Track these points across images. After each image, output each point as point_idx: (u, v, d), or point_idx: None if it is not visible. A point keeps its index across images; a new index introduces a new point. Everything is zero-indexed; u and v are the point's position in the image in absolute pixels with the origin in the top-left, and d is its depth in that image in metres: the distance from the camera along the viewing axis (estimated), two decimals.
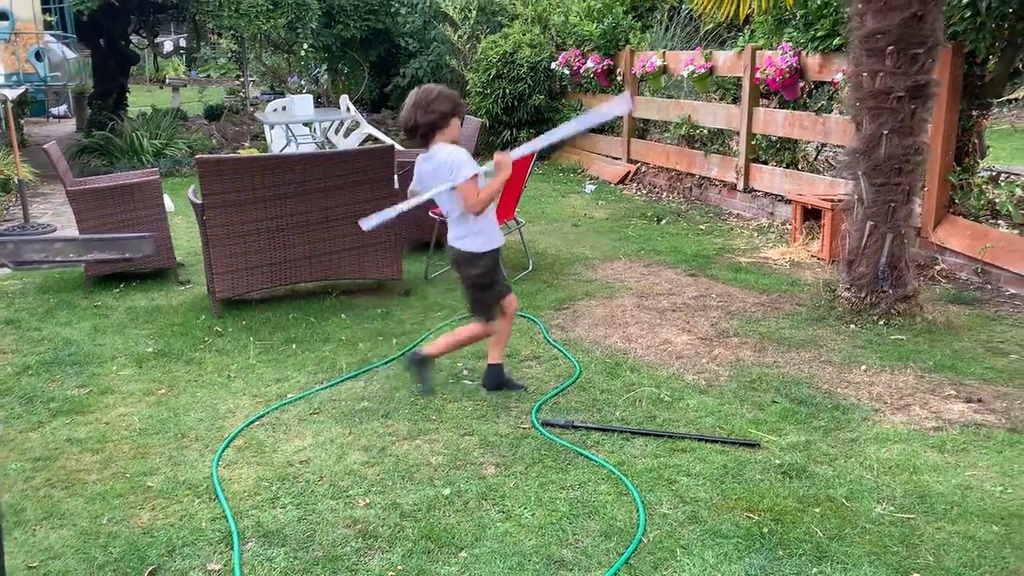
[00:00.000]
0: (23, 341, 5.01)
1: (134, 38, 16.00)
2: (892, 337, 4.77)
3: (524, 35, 11.31)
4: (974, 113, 6.01)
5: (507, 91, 11.10)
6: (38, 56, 6.89)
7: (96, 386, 4.35)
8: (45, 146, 6.22)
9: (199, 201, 5.22)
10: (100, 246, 1.57)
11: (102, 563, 2.85)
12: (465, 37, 12.18)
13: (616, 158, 10.47)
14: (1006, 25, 5.55)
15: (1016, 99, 5.68)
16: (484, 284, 4.00)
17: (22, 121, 12.97)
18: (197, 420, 3.92)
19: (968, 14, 5.49)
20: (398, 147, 7.26)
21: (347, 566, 2.81)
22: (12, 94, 7.53)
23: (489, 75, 11.20)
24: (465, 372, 4.42)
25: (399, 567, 2.80)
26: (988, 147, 6.39)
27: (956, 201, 6.06)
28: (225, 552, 2.91)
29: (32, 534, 3.02)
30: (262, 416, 3.96)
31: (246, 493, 3.28)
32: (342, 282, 5.87)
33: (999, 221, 6.04)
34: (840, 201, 6.05)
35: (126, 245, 1.56)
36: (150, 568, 2.82)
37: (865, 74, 4.92)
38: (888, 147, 4.89)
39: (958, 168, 6.02)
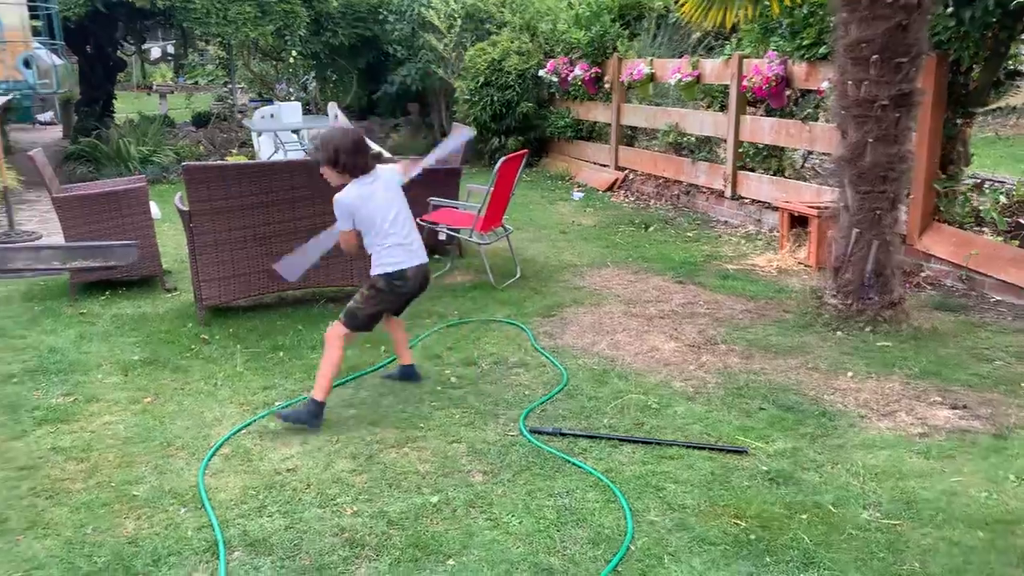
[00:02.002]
0: (7, 349, 4.97)
1: (122, 44, 15.93)
2: (878, 344, 4.80)
3: (512, 43, 11.34)
4: (958, 121, 6.05)
5: (495, 99, 11.12)
6: (27, 63, 6.86)
7: (81, 394, 4.32)
8: (31, 153, 6.19)
9: (186, 208, 5.20)
10: (85, 254, 1.56)
11: (87, 573, 2.83)
12: (451, 45, 12.19)
13: (604, 165, 10.50)
14: (989, 35, 5.60)
15: (1000, 107, 5.72)
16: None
17: (8, 128, 12.89)
18: (183, 428, 3.90)
19: (952, 24, 5.54)
20: (385, 154, 7.26)
21: (334, 575, 2.80)
22: None
23: (477, 83, 11.22)
24: (453, 380, 4.41)
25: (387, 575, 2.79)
26: (972, 155, 6.43)
27: (941, 209, 6.11)
28: (211, 562, 2.89)
29: (16, 544, 3.00)
30: (249, 424, 3.94)
31: (233, 502, 3.26)
32: (329, 289, 5.86)
33: (984, 228, 6.09)
34: (826, 208, 6.08)
35: (111, 253, 1.55)
36: None
37: (850, 83, 4.96)
38: (873, 155, 4.93)
39: (943, 176, 6.07)
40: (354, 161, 3.87)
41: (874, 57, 4.80)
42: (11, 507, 3.23)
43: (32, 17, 7.35)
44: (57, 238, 7.20)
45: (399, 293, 4.05)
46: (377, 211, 3.91)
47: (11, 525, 3.11)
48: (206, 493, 3.31)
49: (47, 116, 18.89)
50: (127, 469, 3.53)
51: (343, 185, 3.92)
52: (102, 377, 4.56)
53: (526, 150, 6.93)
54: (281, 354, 4.81)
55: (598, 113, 10.61)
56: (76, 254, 1.57)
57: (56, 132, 17.04)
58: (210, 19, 11.51)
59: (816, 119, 7.45)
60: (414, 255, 4.02)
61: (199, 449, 3.70)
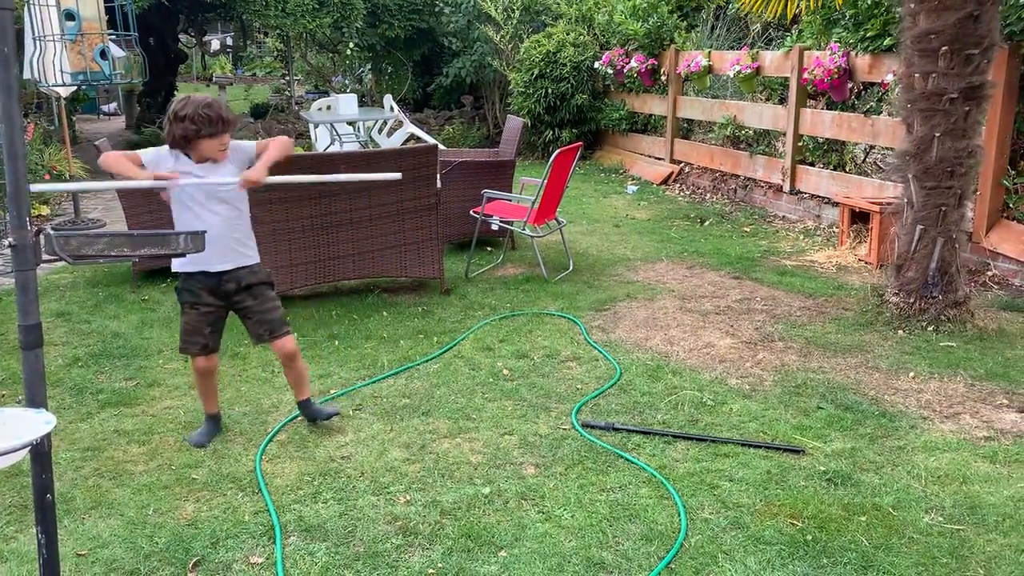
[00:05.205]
0: (73, 333, 5.11)
1: (182, 37, 16.27)
2: (942, 344, 4.67)
3: (568, 34, 11.29)
4: None
5: (550, 91, 11.09)
6: (103, 55, 7.04)
7: (143, 379, 4.43)
8: (97, 143, 6.35)
9: None
10: (154, 241, 1.59)
11: (148, 553, 2.90)
12: (508, 37, 12.19)
13: (659, 158, 10.40)
14: None
15: None
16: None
17: (74, 118, 13.25)
18: (241, 414, 3.97)
19: None
20: (440, 147, 7.29)
21: (387, 562, 2.83)
22: (65, 92, 7.70)
23: (532, 75, 11.20)
24: (505, 372, 4.42)
25: (439, 565, 2.80)
26: None
27: (1010, 205, 5.92)
28: (267, 546, 2.94)
29: (81, 522, 3.08)
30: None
31: (288, 487, 3.31)
32: (383, 280, 5.91)
33: None
34: (889, 204, 5.94)
35: (179, 241, 1.58)
36: (194, 559, 2.86)
37: (917, 75, 4.82)
38: (940, 150, 4.79)
39: (1012, 172, 5.88)
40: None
41: (943, 49, 4.66)
42: (77, 487, 3.33)
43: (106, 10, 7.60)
44: (120, 226, 7.39)
45: None
46: None
47: (77, 504, 3.20)
48: (263, 478, 3.37)
49: (111, 107, 19.39)
50: (187, 453, 3.61)
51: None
52: (163, 362, 4.66)
53: (580, 143, 6.89)
54: (336, 343, 4.87)
55: (654, 105, 10.51)
56: (144, 242, 1.60)
57: (120, 123, 17.48)
58: (269, 11, 11.69)
59: (879, 112, 7.28)
60: None
61: (256, 435, 3.76)
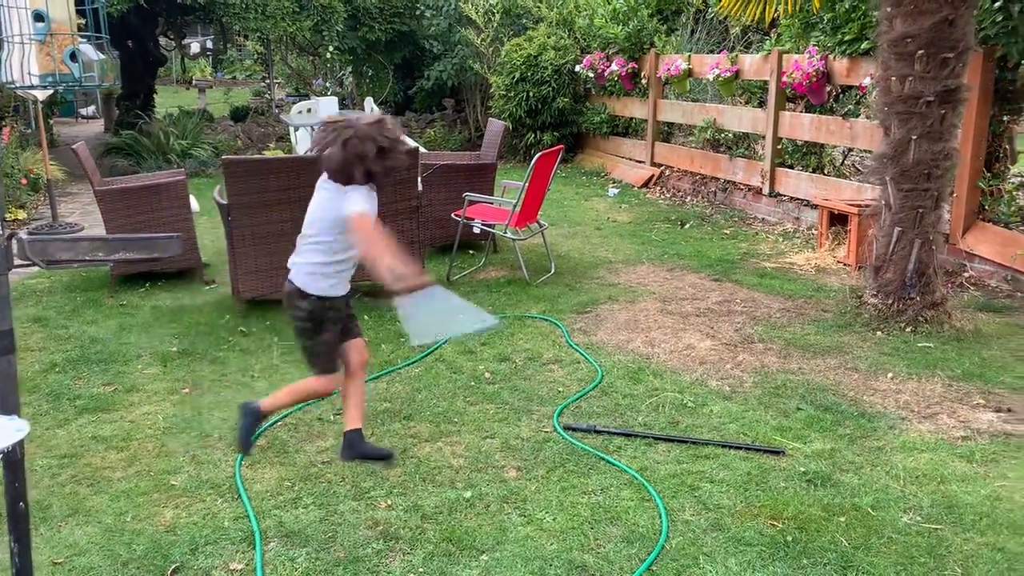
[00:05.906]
0: (50, 339, 5.06)
1: (162, 40, 16.16)
2: (919, 344, 4.71)
3: (549, 38, 11.31)
4: (1005, 118, 5.93)
5: (531, 94, 11.10)
6: (73, 57, 6.97)
7: (121, 384, 4.39)
8: (74, 146, 6.29)
9: (224, 202, 5.25)
10: (129, 246, 1.57)
11: (126, 560, 2.87)
12: (488, 40, 12.19)
13: (640, 161, 10.44)
14: None
15: None
16: (304, 330, 3.28)
17: (52, 121, 13.13)
18: (221, 420, 3.94)
19: (1000, 18, 5.41)
20: (422, 149, 7.27)
21: (368, 568, 2.81)
22: (42, 95, 7.62)
23: (513, 78, 11.20)
24: (487, 375, 4.41)
25: (420, 569, 2.79)
26: (1020, 152, 6.29)
27: (986, 207, 5.99)
28: (247, 552, 2.92)
29: (58, 530, 3.05)
30: (285, 416, 3.97)
31: (268, 493, 3.29)
32: (364, 283, 5.88)
33: None
34: (867, 206, 5.99)
35: (155, 245, 1.56)
36: (173, 566, 2.83)
37: (894, 78, 4.87)
38: (917, 152, 4.84)
39: (988, 174, 5.94)
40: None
41: (919, 52, 4.71)
42: (53, 494, 3.29)
43: (77, 12, 7.51)
44: (99, 230, 7.32)
45: None
46: None
47: (53, 512, 3.16)
48: (243, 484, 3.34)
49: (89, 110, 19.22)
50: (166, 459, 3.58)
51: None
52: (142, 368, 4.62)
53: (561, 146, 6.90)
54: None
55: (634, 109, 10.55)
56: (120, 246, 1.59)
57: (98, 126, 17.33)
58: (249, 14, 11.63)
59: (857, 116, 7.34)
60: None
61: (236, 440, 3.73)
